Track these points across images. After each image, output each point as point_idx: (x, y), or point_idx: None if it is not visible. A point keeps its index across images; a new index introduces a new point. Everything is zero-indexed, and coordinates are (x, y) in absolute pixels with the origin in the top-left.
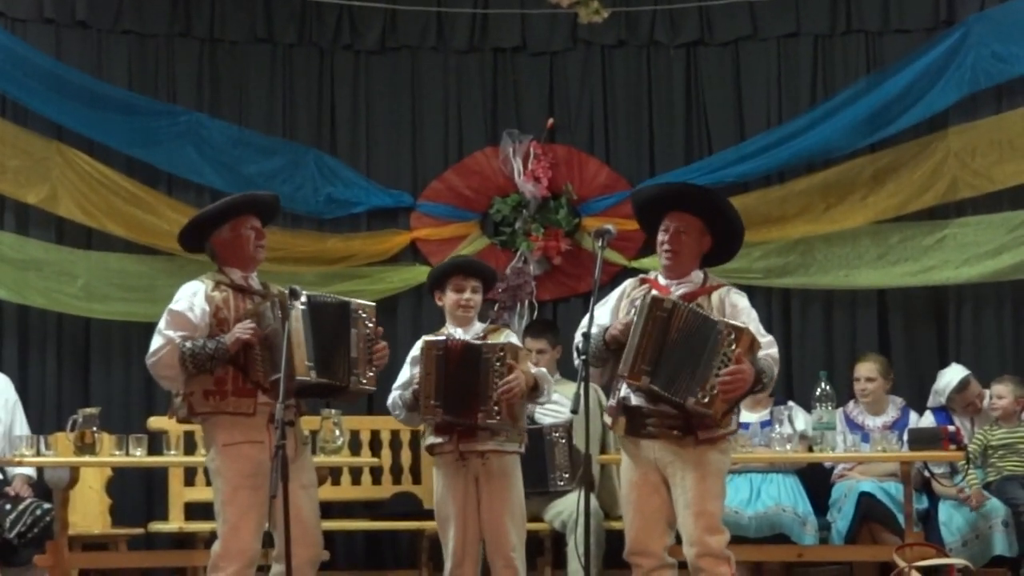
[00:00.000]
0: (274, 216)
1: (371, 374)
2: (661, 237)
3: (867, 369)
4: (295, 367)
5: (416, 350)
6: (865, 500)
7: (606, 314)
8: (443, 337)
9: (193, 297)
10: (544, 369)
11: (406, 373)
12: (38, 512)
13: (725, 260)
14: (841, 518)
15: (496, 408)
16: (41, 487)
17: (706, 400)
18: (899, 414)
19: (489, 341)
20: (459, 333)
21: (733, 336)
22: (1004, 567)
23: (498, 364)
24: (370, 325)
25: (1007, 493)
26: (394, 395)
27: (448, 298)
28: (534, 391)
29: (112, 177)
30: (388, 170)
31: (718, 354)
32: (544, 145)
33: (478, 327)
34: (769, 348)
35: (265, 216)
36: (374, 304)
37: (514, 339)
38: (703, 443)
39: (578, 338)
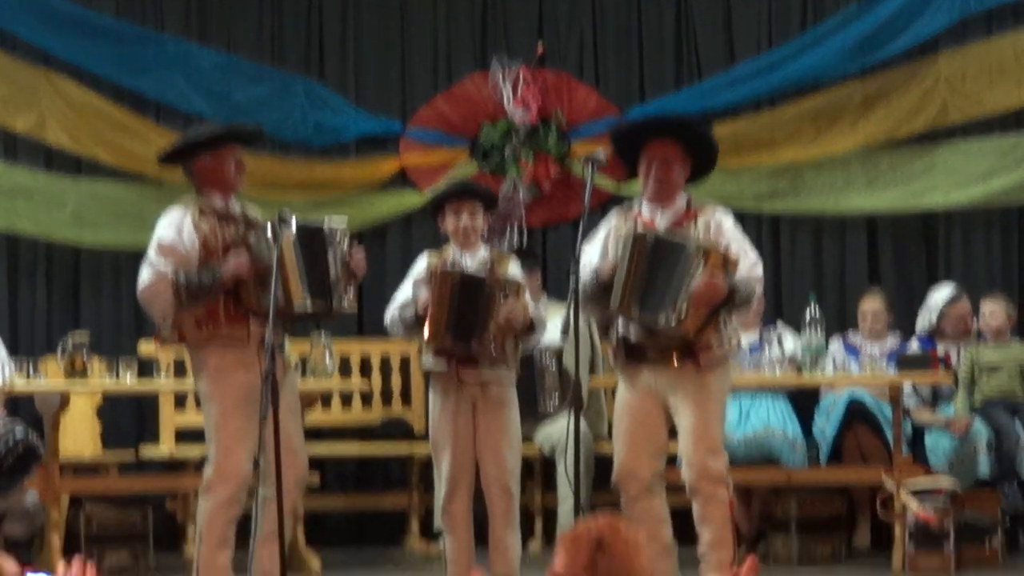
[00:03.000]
0: (257, 142)
1: (350, 295)
2: (645, 167)
3: (874, 305)
4: (291, 296)
5: (419, 268)
6: (854, 405)
7: (595, 251)
8: (458, 268)
9: (181, 226)
10: (542, 310)
11: (406, 292)
12: (11, 441)
13: (699, 179)
14: (830, 425)
15: (493, 342)
16: (27, 410)
17: (676, 320)
18: (898, 344)
19: (496, 271)
20: (463, 257)
21: (701, 254)
22: (988, 489)
23: (504, 300)
24: (344, 245)
25: (991, 417)
26: (393, 314)
27: (448, 222)
28: (529, 330)
29: (100, 105)
30: (377, 97)
31: (689, 274)
32: (534, 71)
33: (484, 253)
34: (753, 267)
35: (248, 144)
36: (345, 218)
37: (519, 270)
38: (704, 368)
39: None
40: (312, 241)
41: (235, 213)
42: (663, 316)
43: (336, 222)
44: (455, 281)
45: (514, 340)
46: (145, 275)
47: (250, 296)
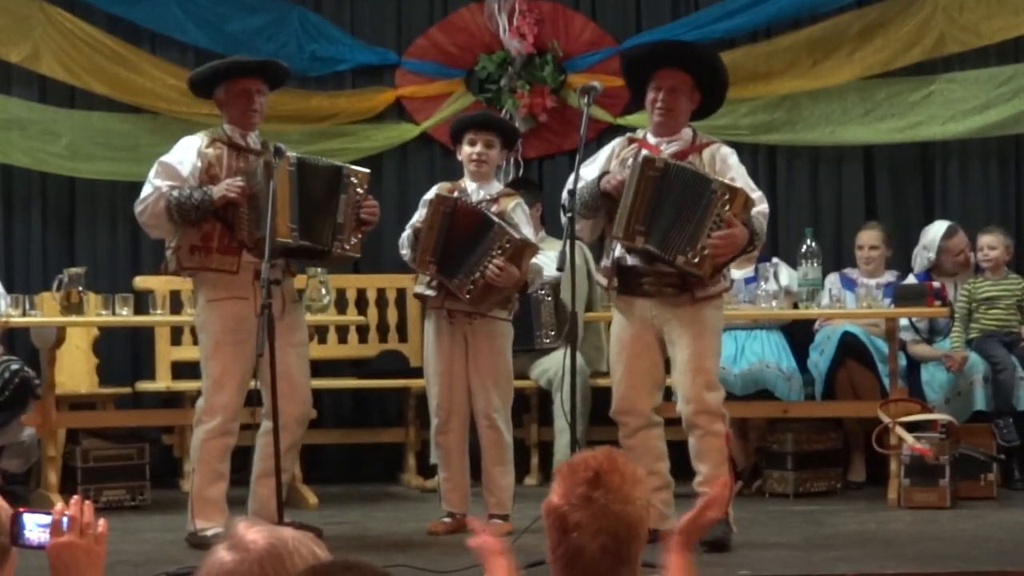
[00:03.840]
0: (278, 80)
1: (355, 240)
2: (652, 95)
3: (871, 237)
4: (277, 228)
5: (431, 194)
6: (848, 339)
7: (594, 171)
8: (455, 195)
9: (186, 151)
10: (540, 263)
11: (420, 214)
12: (6, 375)
13: (708, 114)
14: (823, 359)
15: (471, 286)
16: (23, 346)
17: (696, 260)
18: (895, 279)
19: (500, 204)
20: (473, 188)
21: (727, 196)
22: (984, 422)
23: (498, 250)
24: (360, 191)
25: (987, 351)
26: (407, 232)
27: (463, 151)
28: (523, 285)
29: (95, 35)
30: (372, 27)
31: (711, 213)
32: (529, 1)
33: (495, 187)
34: (760, 204)
35: (272, 81)
36: (368, 171)
37: (523, 209)
38: (699, 301)
39: (564, 196)
40: (312, 178)
41: (251, 146)
42: (682, 256)
43: (357, 169)
44: (448, 208)
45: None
46: (143, 192)
47: (241, 227)
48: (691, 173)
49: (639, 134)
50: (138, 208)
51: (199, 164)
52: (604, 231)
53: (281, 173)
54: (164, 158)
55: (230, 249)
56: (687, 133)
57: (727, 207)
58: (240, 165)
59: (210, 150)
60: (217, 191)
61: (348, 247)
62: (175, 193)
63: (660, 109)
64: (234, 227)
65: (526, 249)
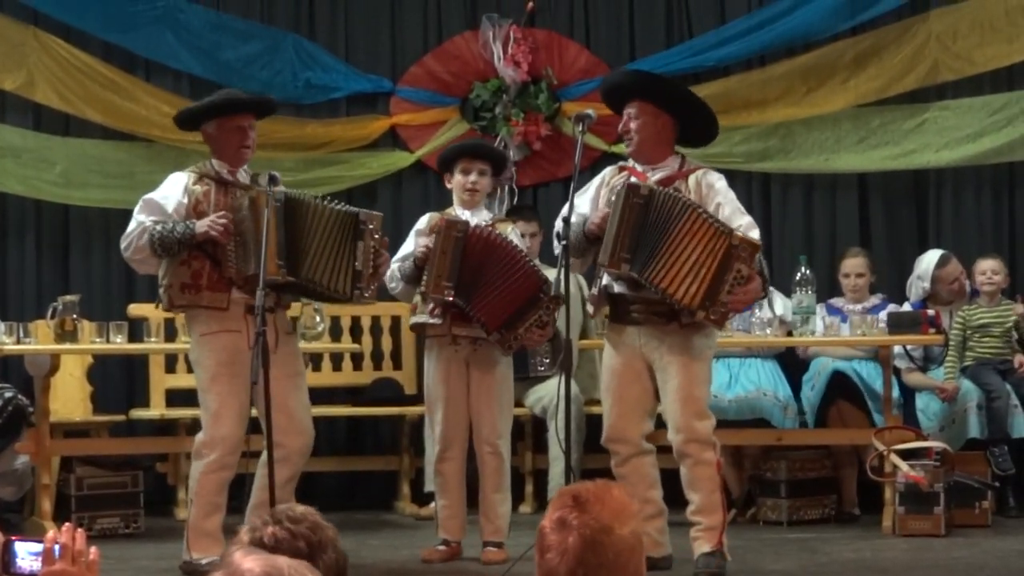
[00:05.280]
0: (267, 113)
1: (374, 287)
2: (623, 126)
3: (857, 265)
4: (266, 265)
5: (422, 224)
6: (838, 377)
7: (586, 203)
8: (464, 219)
9: (172, 187)
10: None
11: (409, 246)
12: (0, 402)
13: (706, 142)
14: (814, 394)
15: (514, 340)
16: (17, 373)
17: (714, 318)
18: (880, 302)
19: (496, 230)
20: (466, 216)
21: (745, 253)
22: (978, 449)
23: (546, 316)
24: (376, 237)
25: (981, 378)
26: (393, 267)
27: (456, 180)
28: None
29: (89, 63)
30: (367, 55)
31: (730, 268)
32: (524, 29)
33: (485, 215)
34: (750, 230)
35: (259, 114)
36: (381, 215)
37: (517, 236)
38: (688, 327)
39: (558, 224)
40: (295, 212)
41: (239, 181)
42: (703, 311)
43: (372, 214)
44: (460, 233)
45: None
46: (128, 228)
47: (228, 264)
48: (675, 200)
49: (629, 162)
50: (123, 244)
51: (185, 201)
52: (592, 261)
53: (268, 208)
54: (149, 195)
55: (219, 286)
56: (673, 160)
57: (745, 264)
58: (228, 201)
59: (197, 187)
60: (200, 226)
61: (367, 295)
62: (158, 227)
63: (624, 137)
64: (221, 264)
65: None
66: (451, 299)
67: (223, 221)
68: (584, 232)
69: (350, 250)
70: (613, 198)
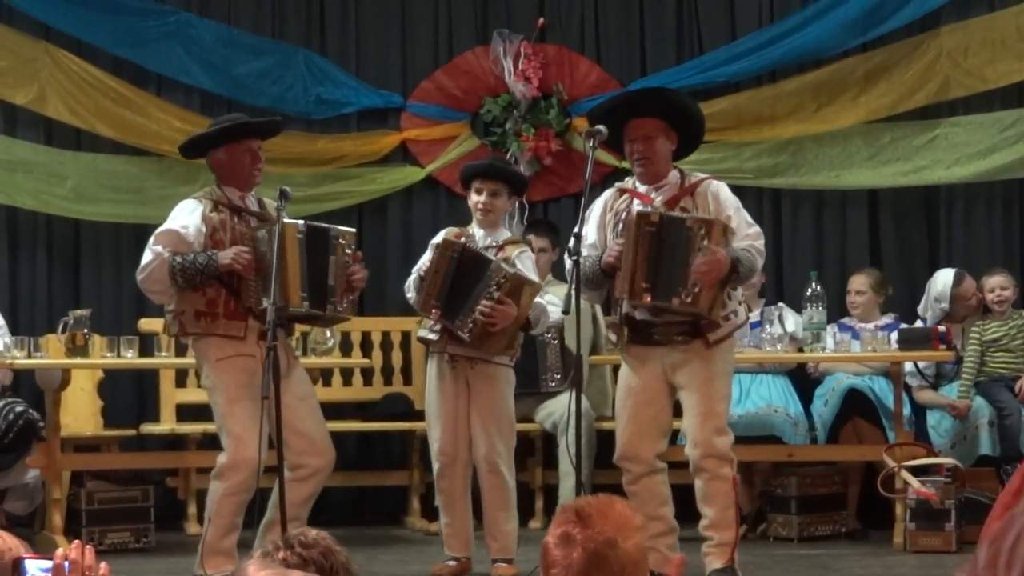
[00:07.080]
0: (273, 135)
1: (346, 303)
2: (629, 148)
3: (857, 282)
4: (289, 297)
5: (438, 238)
6: (854, 394)
7: (592, 230)
8: (462, 240)
9: (189, 216)
10: (544, 302)
11: (427, 257)
12: (11, 416)
13: (687, 154)
14: (828, 410)
15: (471, 325)
16: (28, 387)
17: (690, 300)
18: (892, 322)
19: (505, 252)
20: (481, 234)
21: (703, 230)
22: (990, 466)
23: (494, 287)
24: (348, 252)
25: (993, 395)
26: (413, 276)
27: (471, 199)
28: (525, 324)
29: (100, 78)
30: (378, 70)
31: (693, 250)
32: (535, 45)
33: (503, 234)
34: (755, 239)
35: (265, 136)
36: (353, 231)
37: (529, 257)
38: (712, 345)
39: (571, 241)
40: (317, 243)
41: (250, 208)
42: (676, 298)
43: (343, 230)
44: (455, 253)
45: (507, 331)
46: (144, 258)
47: (248, 294)
48: (674, 219)
49: (628, 183)
50: (140, 275)
51: (204, 229)
52: (610, 289)
53: (291, 241)
54: (165, 226)
55: (237, 314)
56: (674, 176)
57: (706, 240)
58: (243, 229)
59: (214, 215)
60: (223, 257)
61: (340, 309)
62: (178, 258)
63: (639, 160)
64: (240, 294)
65: (525, 285)
66: (437, 317)
67: (247, 256)
68: (601, 267)
69: (324, 267)
70: (622, 224)
